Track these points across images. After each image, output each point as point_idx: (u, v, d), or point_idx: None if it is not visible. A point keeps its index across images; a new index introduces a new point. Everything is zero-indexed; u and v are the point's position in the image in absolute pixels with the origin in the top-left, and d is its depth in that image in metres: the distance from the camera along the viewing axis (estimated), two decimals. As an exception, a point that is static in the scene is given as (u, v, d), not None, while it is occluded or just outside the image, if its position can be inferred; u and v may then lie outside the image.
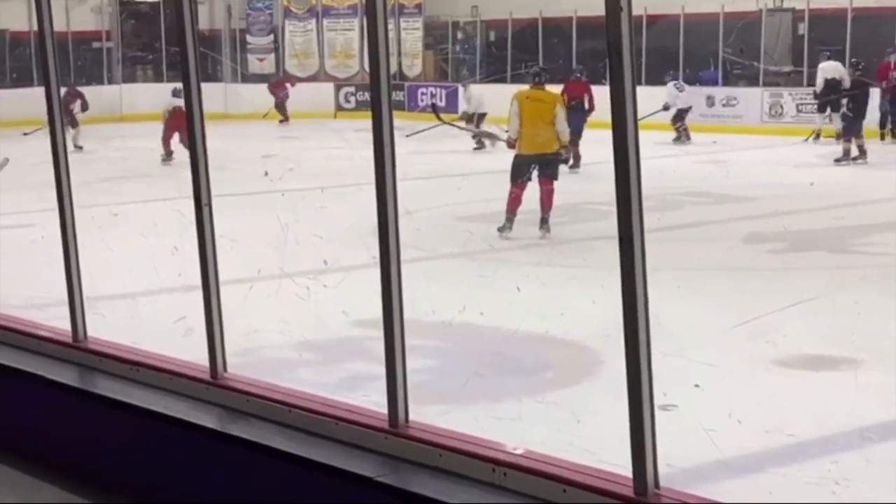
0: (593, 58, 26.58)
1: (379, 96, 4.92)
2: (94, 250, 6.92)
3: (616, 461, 4.24)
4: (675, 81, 26.08)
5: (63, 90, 24.80)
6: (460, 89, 27.04)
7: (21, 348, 6.87)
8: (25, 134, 21.39)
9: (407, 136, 23.35)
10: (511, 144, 13.95)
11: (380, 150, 4.90)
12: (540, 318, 8.86)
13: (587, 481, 4.27)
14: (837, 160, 21.27)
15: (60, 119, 6.63)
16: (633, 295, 4.06)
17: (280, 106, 31.41)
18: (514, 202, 13.54)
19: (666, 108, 24.76)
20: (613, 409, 4.41)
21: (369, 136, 4.88)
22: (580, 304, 9.25)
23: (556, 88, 14.85)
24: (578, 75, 22.65)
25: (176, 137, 21.66)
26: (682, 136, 25.19)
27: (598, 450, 5.06)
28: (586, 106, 20.83)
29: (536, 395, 7.51)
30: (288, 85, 32.01)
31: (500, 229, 13.42)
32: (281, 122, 30.92)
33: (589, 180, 17.12)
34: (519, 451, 4.61)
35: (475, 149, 23.63)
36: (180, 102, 24.80)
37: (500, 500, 4.41)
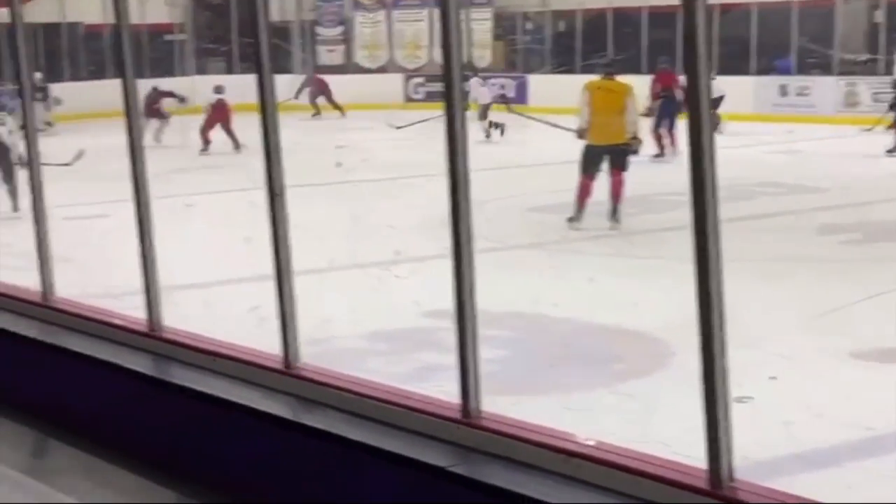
0: (663, 48, 26.40)
1: (451, 87, 4.90)
2: (169, 240, 6.98)
3: (690, 453, 4.20)
4: None
5: (148, 87, 25.17)
6: (473, 82, 26.89)
7: (99, 337, 6.97)
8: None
9: (398, 127, 23.42)
10: (581, 134, 13.88)
11: (452, 141, 4.90)
12: (613, 309, 8.83)
13: (661, 473, 4.25)
14: (889, 151, 20.97)
15: (136, 110, 6.67)
16: (707, 286, 4.02)
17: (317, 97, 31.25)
18: (583, 193, 13.48)
19: None
20: (687, 401, 4.37)
21: (441, 127, 4.87)
22: (653, 295, 9.20)
23: (627, 79, 14.71)
24: (666, 66, 22.40)
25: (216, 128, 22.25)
26: (716, 124, 24.83)
27: (671, 441, 5.03)
28: (678, 96, 20.54)
29: (609, 387, 7.48)
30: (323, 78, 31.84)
31: (570, 220, 13.37)
32: (314, 115, 30.75)
33: (658, 171, 17.01)
34: (592, 442, 4.59)
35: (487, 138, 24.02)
36: (221, 97, 25.23)
37: (573, 491, 4.39)
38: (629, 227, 13.51)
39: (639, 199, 14.41)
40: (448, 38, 4.88)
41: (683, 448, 4.35)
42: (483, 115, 25.23)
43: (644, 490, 4.25)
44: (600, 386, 7.44)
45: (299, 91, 30.29)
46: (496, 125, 24.36)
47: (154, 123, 24.61)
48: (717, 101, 25.07)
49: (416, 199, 13.85)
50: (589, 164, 13.55)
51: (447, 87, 4.94)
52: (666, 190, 14.90)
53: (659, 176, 16.12)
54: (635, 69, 24.55)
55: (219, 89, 25.30)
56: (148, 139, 24.07)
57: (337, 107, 30.95)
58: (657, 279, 9.81)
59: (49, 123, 26.11)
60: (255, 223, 6.22)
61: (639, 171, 14.28)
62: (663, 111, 20.60)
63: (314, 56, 35.96)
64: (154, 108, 25.13)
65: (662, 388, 7.54)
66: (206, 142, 23.79)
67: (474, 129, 21.00)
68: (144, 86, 26.52)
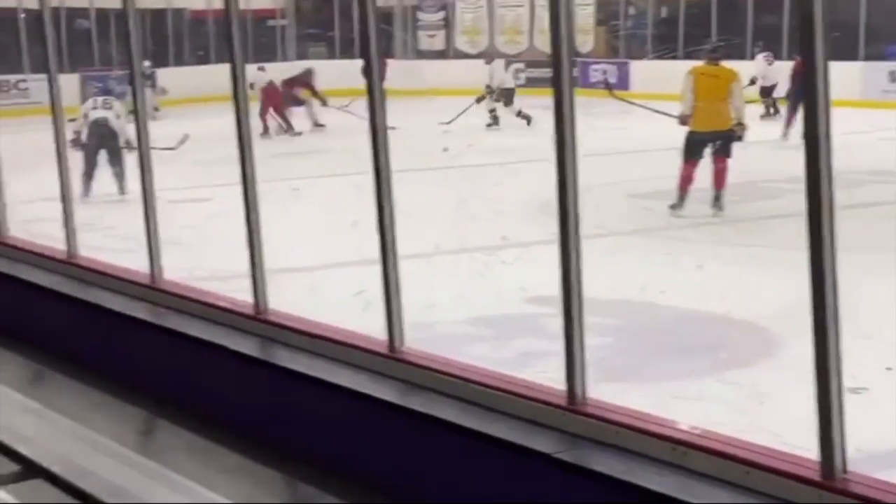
0: (769, 34, 26.03)
1: (560, 72, 4.90)
2: (275, 224, 7.07)
3: (801, 444, 4.16)
4: (766, 53, 25.31)
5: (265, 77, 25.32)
6: (493, 65, 26.76)
7: (206, 319, 7.09)
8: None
9: (447, 122, 23.36)
10: (683, 121, 13.75)
11: (560, 127, 4.89)
12: (721, 297, 8.74)
13: (771, 463, 4.21)
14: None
15: (244, 94, 6.76)
16: (821, 275, 3.98)
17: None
18: (685, 180, 13.37)
19: (752, 82, 23.99)
20: (797, 391, 4.33)
21: (542, 113, 4.87)
22: (763, 283, 9.10)
23: (732, 65, 14.55)
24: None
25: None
26: (771, 110, 24.43)
27: (781, 431, 4.98)
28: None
29: (716, 375, 7.42)
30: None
31: (673, 207, 13.28)
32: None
33: (761, 158, 16.78)
34: (699, 431, 4.57)
35: (488, 125, 24.22)
36: (268, 78, 25.31)
37: (679, 480, 4.37)
38: (735, 214, 13.37)
39: (743, 186, 14.25)
40: (557, 22, 4.88)
41: (794, 438, 4.31)
42: (509, 100, 25.14)
43: (753, 480, 4.21)
44: (707, 374, 7.38)
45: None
46: (524, 116, 24.25)
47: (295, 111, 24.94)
48: (768, 90, 24.73)
49: (523, 184, 13.84)
50: (692, 151, 13.42)
51: (555, 72, 4.94)
52: (770, 177, 14.77)
53: (763, 162, 15.92)
54: (740, 55, 24.21)
55: (262, 68, 25.32)
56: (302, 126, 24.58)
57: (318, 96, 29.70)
58: (766, 267, 9.69)
59: (156, 109, 26.51)
60: (362, 207, 6.27)
61: (741, 158, 14.13)
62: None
63: (416, 41, 36.11)
64: (293, 95, 25.31)
65: (771, 377, 7.46)
66: (266, 127, 23.60)
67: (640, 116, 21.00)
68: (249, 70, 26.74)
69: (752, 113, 23.01)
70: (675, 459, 4.48)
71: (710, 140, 13.41)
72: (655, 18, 34.02)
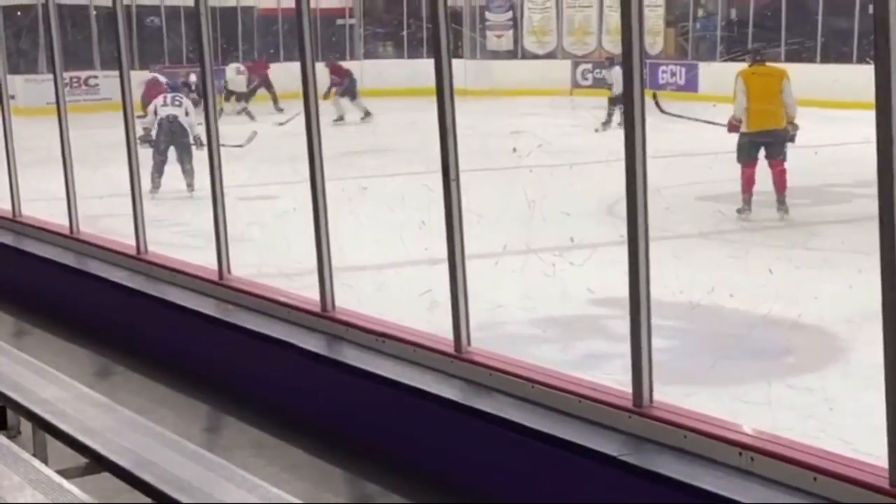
0: (839, 37, 25.75)
1: (631, 74, 4.90)
2: (343, 222, 7.13)
3: (871, 451, 4.14)
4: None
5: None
6: (614, 70, 26.46)
7: (273, 316, 7.17)
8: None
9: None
10: (733, 127, 13.60)
11: (630, 128, 4.90)
12: (791, 301, 8.67)
13: (839, 470, 4.19)
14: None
15: (314, 93, 6.81)
16: (892, 280, 3.95)
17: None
18: (748, 182, 13.25)
19: None
20: (867, 397, 4.31)
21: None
22: (832, 288, 9.01)
23: (803, 68, 14.45)
24: None
25: None
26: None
27: (851, 438, 4.95)
28: None
29: (784, 380, 7.37)
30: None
31: (739, 211, 13.18)
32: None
33: (827, 162, 16.62)
34: (767, 436, 4.55)
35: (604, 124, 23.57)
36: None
37: (746, 485, 4.37)
38: (805, 217, 13.26)
39: (813, 190, 14.14)
40: (628, 22, 4.87)
41: (864, 445, 4.28)
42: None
43: (821, 487, 4.20)
44: (776, 379, 7.33)
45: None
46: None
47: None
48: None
49: (592, 185, 13.82)
50: (747, 153, 13.30)
51: (626, 73, 4.94)
52: (836, 181, 14.63)
53: (831, 166, 15.76)
54: (811, 58, 23.98)
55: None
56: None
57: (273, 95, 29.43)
58: (837, 271, 9.61)
59: (221, 109, 26.76)
60: (430, 206, 6.30)
61: (810, 161, 14.02)
62: None
63: (484, 41, 36.11)
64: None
65: (841, 382, 7.40)
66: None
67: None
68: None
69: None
70: (742, 464, 4.48)
71: (764, 141, 13.28)
72: (725, 20, 33.77)
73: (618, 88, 24.77)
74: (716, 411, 4.96)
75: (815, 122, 14.31)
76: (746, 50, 14.71)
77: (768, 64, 14.20)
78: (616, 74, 25.70)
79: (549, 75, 32.91)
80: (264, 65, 30.59)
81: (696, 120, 16.37)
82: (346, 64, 32.81)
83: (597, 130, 23.99)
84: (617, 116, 24.44)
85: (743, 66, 14.68)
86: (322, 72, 27.30)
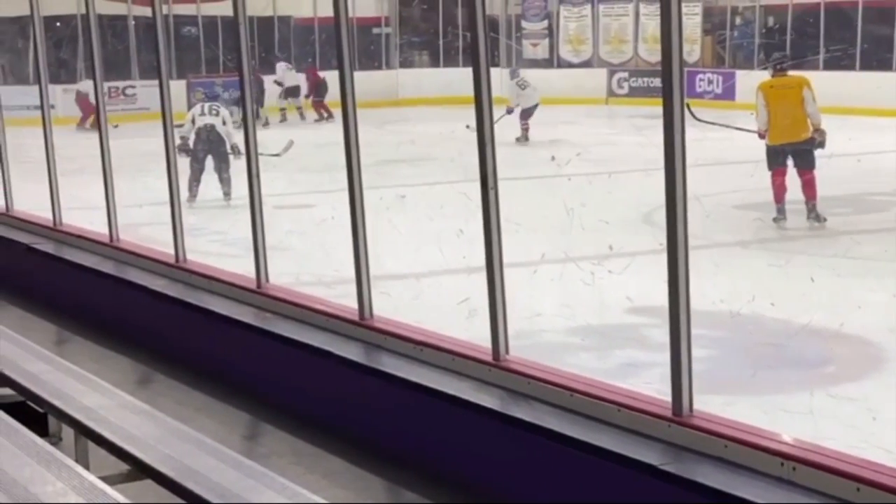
0: (880, 44, 25.56)
1: (670, 82, 4.90)
2: (381, 231, 7.15)
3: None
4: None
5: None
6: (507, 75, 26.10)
7: (311, 324, 7.20)
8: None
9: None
10: (762, 135, 13.62)
11: (670, 137, 4.90)
12: (834, 311, 8.64)
13: (883, 480, 4.18)
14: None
15: (353, 101, 6.84)
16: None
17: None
18: (779, 191, 13.22)
19: None
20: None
21: (647, 122, 4.88)
22: (876, 297, 8.97)
23: (840, 76, 14.37)
24: None
25: None
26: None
27: (894, 448, 4.93)
28: None
29: (827, 389, 7.34)
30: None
31: (775, 220, 13.14)
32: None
33: (869, 171, 16.53)
34: (808, 445, 4.54)
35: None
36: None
37: (788, 495, 4.36)
38: (848, 225, 13.20)
39: (854, 198, 14.06)
40: (669, 32, 4.87)
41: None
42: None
43: (864, 497, 4.18)
44: (818, 388, 7.30)
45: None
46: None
47: None
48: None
49: (631, 194, 13.81)
50: (774, 161, 13.29)
51: (666, 81, 4.94)
52: (875, 190, 14.55)
53: (873, 174, 15.68)
54: (851, 65, 23.81)
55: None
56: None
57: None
58: (880, 280, 9.56)
59: (258, 117, 26.95)
60: (468, 215, 6.32)
61: (851, 169, 13.96)
62: None
63: (520, 49, 36.09)
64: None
65: (884, 393, 7.35)
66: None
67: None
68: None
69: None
70: (784, 474, 4.47)
71: (789, 152, 13.27)
72: (762, 28, 33.64)
73: (526, 100, 24.42)
74: (757, 421, 4.95)
75: (857, 131, 14.24)
76: (772, 61, 14.57)
77: (789, 73, 14.13)
78: (516, 85, 25.07)
79: (584, 84, 32.89)
80: (314, 70, 30.85)
81: (729, 127, 16.34)
82: (383, 74, 32.96)
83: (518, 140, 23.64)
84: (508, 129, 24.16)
85: (764, 76, 14.64)
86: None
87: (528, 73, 32.94)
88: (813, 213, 13.10)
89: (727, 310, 8.45)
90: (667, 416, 4.98)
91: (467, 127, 6.75)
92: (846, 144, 13.69)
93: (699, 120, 21.95)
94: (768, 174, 13.29)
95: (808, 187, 13.18)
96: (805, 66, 18.61)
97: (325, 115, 28.03)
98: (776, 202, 13.19)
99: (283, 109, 28.86)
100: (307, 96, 29.35)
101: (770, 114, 13.36)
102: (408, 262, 10.76)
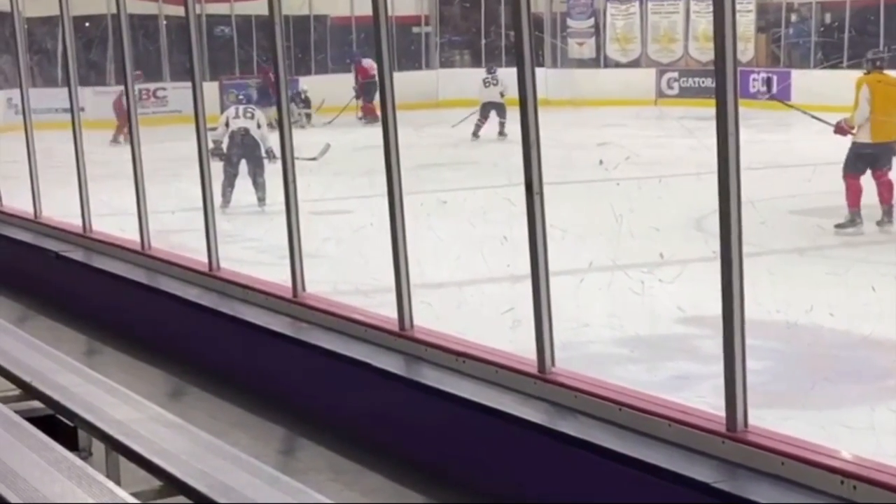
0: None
1: (724, 83, 4.88)
2: (421, 237, 7.16)
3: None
4: None
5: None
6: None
7: (349, 335, 7.22)
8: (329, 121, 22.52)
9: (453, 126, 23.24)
10: (843, 130, 13.49)
11: (723, 140, 4.88)
12: (895, 321, 8.57)
13: (947, 499, 4.15)
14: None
15: (392, 103, 6.86)
16: None
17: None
18: (858, 194, 13.10)
19: None
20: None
21: (698, 124, 4.86)
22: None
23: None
24: None
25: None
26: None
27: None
28: None
29: (889, 404, 7.28)
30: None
31: (842, 226, 13.01)
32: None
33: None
34: (869, 463, 4.51)
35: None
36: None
37: (848, 515, 4.34)
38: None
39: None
40: (722, 31, 4.86)
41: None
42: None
43: (929, 517, 4.16)
44: (879, 403, 7.24)
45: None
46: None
47: None
48: None
49: (683, 199, 13.75)
50: (864, 163, 13.17)
51: (719, 81, 4.92)
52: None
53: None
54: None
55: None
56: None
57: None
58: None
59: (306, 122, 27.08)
60: (512, 221, 6.32)
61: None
62: None
63: (566, 49, 36.05)
64: None
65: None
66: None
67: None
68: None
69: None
70: (844, 493, 4.44)
71: (883, 152, 13.17)
72: (819, 25, 33.44)
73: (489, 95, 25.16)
74: (815, 437, 4.92)
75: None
76: (869, 58, 14.47)
77: (886, 72, 14.06)
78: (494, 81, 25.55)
79: (633, 84, 32.80)
80: (365, 69, 30.96)
81: (807, 114, 16.21)
82: (420, 74, 32.96)
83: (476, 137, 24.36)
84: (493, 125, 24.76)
85: (858, 73, 14.54)
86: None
87: (574, 73, 33.00)
88: (889, 217, 13.02)
89: (783, 320, 8.40)
90: (720, 432, 4.96)
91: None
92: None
93: (785, 104, 21.63)
94: (829, 178, 13.20)
95: (887, 189, 13.10)
96: (862, 65, 18.46)
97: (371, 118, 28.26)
98: (852, 206, 13.07)
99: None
100: (356, 97, 29.55)
101: (873, 110, 13.26)
102: (449, 270, 10.75)
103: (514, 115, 6.03)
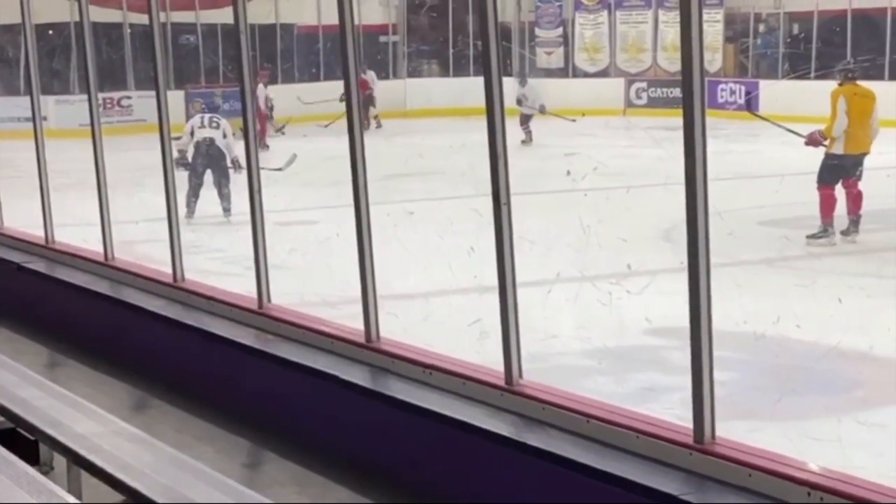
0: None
1: (691, 93, 4.90)
2: (388, 248, 7.16)
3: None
4: None
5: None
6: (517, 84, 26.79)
7: (315, 347, 7.20)
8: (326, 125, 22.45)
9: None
10: (816, 140, 13.57)
11: (690, 151, 4.90)
12: (863, 332, 8.62)
13: (915, 511, 4.17)
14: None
15: (359, 114, 6.86)
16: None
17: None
18: (832, 205, 13.19)
19: None
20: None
21: (666, 134, 4.89)
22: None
23: (869, 86, 14.39)
24: None
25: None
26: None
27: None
28: None
29: (856, 415, 7.33)
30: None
31: (816, 236, 13.09)
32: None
33: (886, 184, 16.55)
34: (837, 475, 4.53)
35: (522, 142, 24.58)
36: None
37: (815, 527, 4.35)
38: (878, 243, 13.19)
39: (885, 214, 14.04)
40: (689, 37, 4.88)
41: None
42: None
43: (895, 528, 4.18)
44: (846, 414, 7.30)
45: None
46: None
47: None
48: None
49: (650, 210, 13.81)
50: (838, 174, 13.26)
51: (686, 91, 4.94)
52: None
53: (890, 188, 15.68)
54: (878, 75, 23.80)
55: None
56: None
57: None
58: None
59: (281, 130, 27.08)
60: (479, 232, 6.32)
61: (882, 184, 13.88)
62: None
63: (534, 58, 36.12)
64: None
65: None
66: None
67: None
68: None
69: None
70: (811, 504, 4.46)
71: (855, 163, 13.27)
72: (787, 36, 33.63)
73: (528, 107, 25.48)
74: (782, 448, 4.94)
75: (887, 144, 14.23)
76: (841, 69, 14.58)
77: (859, 83, 14.16)
78: (529, 91, 25.96)
79: (601, 94, 32.91)
80: (365, 82, 31.08)
81: (781, 126, 16.30)
82: (390, 83, 33.03)
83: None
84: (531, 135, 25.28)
85: (829, 84, 14.64)
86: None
87: (542, 83, 33.11)
88: (856, 228, 13.11)
89: (751, 331, 8.44)
90: (688, 444, 4.98)
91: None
92: (875, 158, 13.67)
93: (757, 115, 21.58)
94: (797, 188, 13.28)
95: (857, 200, 13.18)
96: (831, 76, 18.58)
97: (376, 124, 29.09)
98: (825, 217, 13.15)
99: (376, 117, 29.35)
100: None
101: (850, 121, 13.34)
102: (416, 281, 10.76)
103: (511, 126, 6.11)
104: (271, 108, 27.45)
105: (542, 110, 26.15)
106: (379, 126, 28.24)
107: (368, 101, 29.44)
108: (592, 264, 10.36)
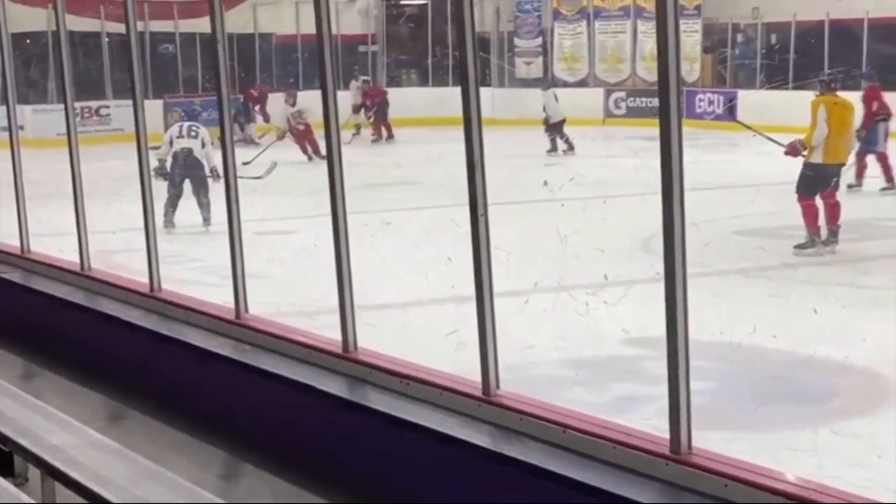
0: (886, 64, 25.62)
1: (668, 103, 4.91)
2: (366, 258, 7.14)
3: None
4: None
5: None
6: (543, 94, 27.10)
7: (292, 357, 7.18)
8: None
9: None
10: (795, 149, 13.61)
11: (667, 160, 4.90)
12: (838, 342, 8.66)
13: (890, 521, 4.18)
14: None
15: (336, 124, 6.85)
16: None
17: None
18: (815, 215, 13.23)
19: None
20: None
21: (644, 144, 4.89)
22: (884, 328, 8.98)
23: (846, 96, 14.48)
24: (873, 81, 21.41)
25: None
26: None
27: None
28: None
29: (830, 425, 7.35)
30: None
31: (804, 246, 13.12)
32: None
33: (867, 196, 16.62)
34: (813, 485, 4.53)
35: (548, 151, 25.24)
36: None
37: (791, 537, 4.35)
38: (854, 253, 13.24)
39: (860, 224, 14.11)
40: (665, 46, 4.88)
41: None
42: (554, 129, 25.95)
43: (871, 539, 4.18)
44: (822, 424, 7.31)
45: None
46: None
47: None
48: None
49: (627, 220, 13.85)
50: (818, 185, 13.30)
51: (662, 101, 4.94)
52: (889, 214, 14.58)
53: (879, 199, 15.77)
54: (855, 86, 23.86)
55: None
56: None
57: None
58: (886, 311, 9.58)
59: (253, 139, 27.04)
60: (456, 242, 6.32)
61: (857, 194, 13.99)
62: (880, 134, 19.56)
63: (513, 69, 36.20)
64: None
65: (891, 428, 7.36)
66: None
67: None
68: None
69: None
70: (788, 515, 4.46)
71: (833, 174, 13.32)
72: (765, 47, 33.77)
73: (552, 115, 26.07)
74: (758, 458, 4.94)
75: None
76: (823, 79, 14.65)
77: (839, 94, 14.22)
78: (548, 99, 26.24)
79: (580, 104, 32.98)
80: (379, 91, 31.25)
81: (761, 135, 16.39)
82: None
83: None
84: (560, 143, 25.74)
85: (805, 94, 14.72)
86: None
87: (521, 93, 33.22)
88: (835, 238, 13.16)
89: (727, 341, 8.46)
90: (664, 454, 4.97)
91: None
92: (850, 168, 13.77)
93: (737, 122, 21.61)
94: (774, 199, 13.31)
95: (835, 210, 13.22)
96: (809, 87, 18.67)
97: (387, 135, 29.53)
98: (810, 227, 13.17)
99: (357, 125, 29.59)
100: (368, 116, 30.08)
101: (830, 132, 13.37)
102: (393, 291, 10.76)
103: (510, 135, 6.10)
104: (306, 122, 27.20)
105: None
106: (357, 134, 28.39)
107: (383, 106, 29.86)
108: (569, 275, 10.36)
